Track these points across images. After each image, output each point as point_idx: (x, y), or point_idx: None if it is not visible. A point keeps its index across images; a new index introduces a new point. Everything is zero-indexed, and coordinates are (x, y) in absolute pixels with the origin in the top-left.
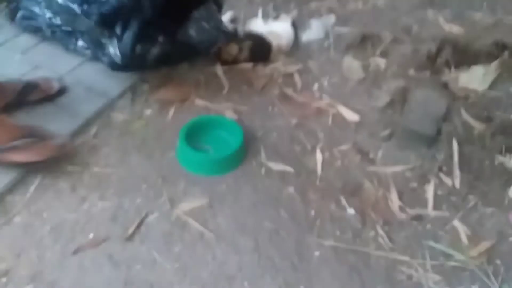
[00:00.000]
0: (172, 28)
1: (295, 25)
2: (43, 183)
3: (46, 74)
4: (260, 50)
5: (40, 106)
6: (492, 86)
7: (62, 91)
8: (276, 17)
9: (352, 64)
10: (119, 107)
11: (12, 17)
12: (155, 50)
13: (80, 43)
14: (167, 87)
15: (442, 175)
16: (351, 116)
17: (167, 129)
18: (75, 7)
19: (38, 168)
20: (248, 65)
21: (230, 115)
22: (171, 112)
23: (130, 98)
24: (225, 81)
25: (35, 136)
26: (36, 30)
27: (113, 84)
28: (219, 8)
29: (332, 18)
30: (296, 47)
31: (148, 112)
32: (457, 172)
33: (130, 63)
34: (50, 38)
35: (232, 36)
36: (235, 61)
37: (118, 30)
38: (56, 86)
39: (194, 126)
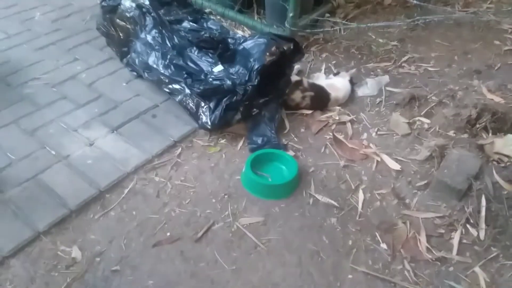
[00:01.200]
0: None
1: (352, 81)
2: (134, 188)
3: (145, 101)
4: (320, 99)
5: (136, 126)
6: None
7: None
8: (336, 73)
9: (399, 120)
10: (200, 134)
11: (121, 58)
12: (237, 116)
13: (179, 98)
14: (239, 123)
15: (468, 226)
16: (393, 165)
17: (236, 156)
18: (180, 79)
19: None
20: (308, 111)
21: (288, 151)
22: (240, 143)
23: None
24: (287, 123)
25: None
26: (138, 75)
27: None
28: (300, 57)
29: (386, 78)
30: (351, 100)
31: (222, 141)
32: (483, 225)
33: (217, 129)
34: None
35: (297, 86)
36: (297, 107)
37: (212, 104)
38: None
39: (259, 156)
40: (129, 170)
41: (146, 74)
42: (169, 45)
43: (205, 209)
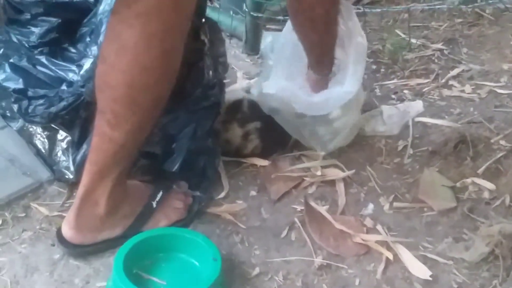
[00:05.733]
0: None
1: None
2: None
3: None
4: (277, 133)
5: None
6: None
7: None
8: None
9: (435, 183)
10: (50, 194)
11: None
12: None
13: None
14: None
15: None
16: (419, 269)
17: None
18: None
19: None
20: (263, 162)
21: (217, 232)
22: None
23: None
24: (226, 180)
25: None
26: None
27: None
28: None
29: (418, 106)
30: (350, 142)
31: None
32: None
33: None
34: None
35: (234, 115)
36: (238, 152)
37: (76, 134)
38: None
39: (141, 246)
40: None
41: None
42: None
43: None
